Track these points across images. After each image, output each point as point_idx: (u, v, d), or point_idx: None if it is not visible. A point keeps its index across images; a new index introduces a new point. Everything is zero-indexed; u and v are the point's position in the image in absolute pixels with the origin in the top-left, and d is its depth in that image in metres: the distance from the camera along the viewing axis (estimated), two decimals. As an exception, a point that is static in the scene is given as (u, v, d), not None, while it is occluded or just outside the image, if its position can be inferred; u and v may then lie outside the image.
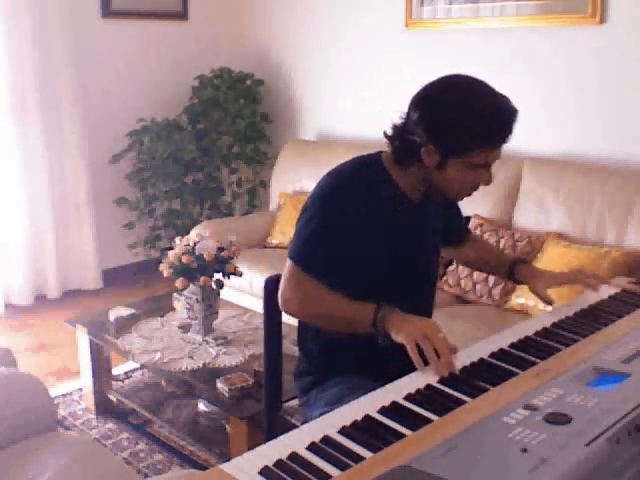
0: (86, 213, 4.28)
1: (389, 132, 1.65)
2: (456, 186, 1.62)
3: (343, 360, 1.72)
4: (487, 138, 1.54)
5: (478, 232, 3.17)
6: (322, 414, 1.29)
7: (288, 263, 1.67)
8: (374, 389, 1.33)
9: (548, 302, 1.77)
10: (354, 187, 1.63)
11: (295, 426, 1.72)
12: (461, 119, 1.52)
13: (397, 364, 1.48)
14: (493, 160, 1.59)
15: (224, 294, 2.94)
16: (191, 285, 2.70)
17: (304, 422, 1.69)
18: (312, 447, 1.11)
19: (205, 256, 2.64)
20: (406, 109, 1.62)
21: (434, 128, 1.55)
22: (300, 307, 1.66)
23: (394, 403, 1.26)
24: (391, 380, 1.36)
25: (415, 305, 1.75)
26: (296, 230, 1.68)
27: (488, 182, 1.62)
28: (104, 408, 2.97)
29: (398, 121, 1.64)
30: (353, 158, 1.72)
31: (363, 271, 1.66)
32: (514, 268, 1.87)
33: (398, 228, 1.67)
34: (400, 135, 1.62)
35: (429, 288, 1.86)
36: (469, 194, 1.68)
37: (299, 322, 1.82)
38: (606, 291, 1.83)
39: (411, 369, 1.41)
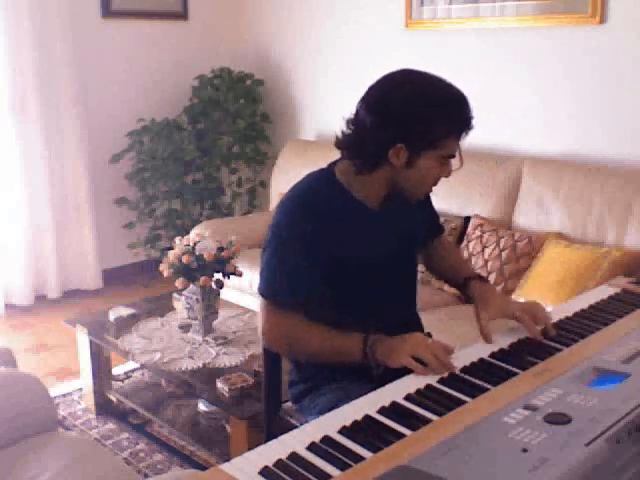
0: (86, 213, 4.28)
1: (340, 144, 1.62)
2: (422, 182, 1.59)
3: (333, 368, 1.68)
4: (457, 124, 1.53)
5: (478, 232, 3.17)
6: (315, 421, 1.28)
7: (262, 301, 1.63)
8: (366, 394, 1.33)
9: (485, 338, 1.55)
10: (310, 208, 1.59)
11: (295, 426, 1.72)
12: (427, 111, 1.50)
13: (388, 369, 1.48)
14: (458, 150, 1.58)
15: (224, 294, 2.94)
16: (191, 285, 2.70)
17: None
18: (312, 447, 1.11)
19: (205, 256, 2.64)
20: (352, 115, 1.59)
21: (401, 127, 1.51)
22: (285, 344, 1.64)
23: (394, 403, 1.26)
24: (383, 385, 1.36)
25: (394, 314, 1.71)
26: (263, 264, 1.63)
27: (449, 174, 1.60)
28: (104, 408, 2.97)
29: (345, 130, 1.59)
30: (305, 177, 1.68)
31: (336, 287, 1.63)
32: (468, 282, 1.74)
33: (359, 238, 1.64)
34: (358, 144, 1.58)
35: (405, 294, 1.81)
36: (430, 190, 1.66)
37: None
38: (606, 291, 1.83)
39: (402, 374, 1.41)
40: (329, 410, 1.45)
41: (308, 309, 1.60)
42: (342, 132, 1.61)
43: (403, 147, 1.52)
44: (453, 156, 1.58)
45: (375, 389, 1.35)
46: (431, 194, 1.79)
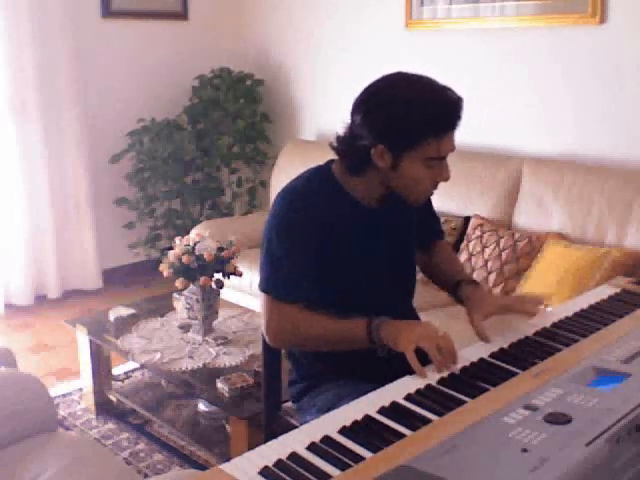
0: (86, 213, 4.28)
1: (334, 144, 1.62)
2: (414, 185, 1.57)
3: (333, 366, 1.70)
4: (434, 125, 1.49)
5: (478, 232, 3.17)
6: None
7: (263, 297, 1.63)
8: (366, 393, 1.33)
9: (482, 338, 1.55)
10: (306, 204, 1.60)
11: (295, 426, 1.72)
12: (404, 110, 1.49)
13: (388, 367, 1.48)
14: (446, 152, 1.54)
15: (224, 294, 2.93)
16: (191, 285, 2.70)
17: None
18: (312, 447, 1.11)
19: (205, 256, 2.64)
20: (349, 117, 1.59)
21: (379, 126, 1.52)
22: (290, 338, 1.63)
23: (394, 403, 1.26)
24: (383, 384, 1.36)
25: (393, 310, 1.69)
26: (261, 260, 1.63)
27: (446, 177, 1.56)
28: (104, 408, 2.97)
29: (342, 131, 1.60)
30: (303, 172, 1.68)
31: (333, 283, 1.63)
32: (459, 286, 1.73)
33: (356, 237, 1.64)
34: (347, 143, 1.59)
35: (404, 291, 1.81)
36: (429, 193, 1.63)
37: None
38: (606, 291, 1.83)
39: (403, 372, 1.41)
40: (328, 409, 1.45)
41: (307, 301, 1.60)
42: (338, 133, 1.61)
43: (384, 148, 1.52)
44: (441, 158, 1.54)
45: (374, 388, 1.35)
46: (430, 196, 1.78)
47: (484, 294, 1.72)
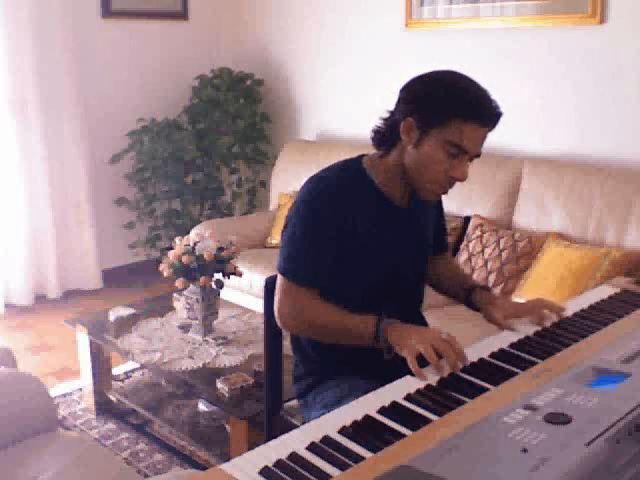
0: (86, 213, 4.28)
1: (372, 134, 1.67)
2: (428, 170, 1.56)
3: (340, 362, 1.71)
4: (463, 105, 1.51)
5: (478, 232, 3.17)
6: (320, 416, 1.29)
7: (280, 278, 1.65)
8: (372, 390, 1.33)
9: (510, 329, 1.60)
10: (336, 194, 1.60)
11: (295, 426, 1.72)
12: (439, 87, 1.54)
13: (395, 365, 1.48)
14: (469, 145, 1.53)
15: (224, 294, 2.94)
16: (191, 285, 2.71)
17: (304, 423, 1.69)
18: (312, 447, 1.11)
19: (205, 256, 2.64)
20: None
21: (412, 98, 1.56)
22: (299, 322, 1.64)
23: (394, 403, 1.26)
24: (389, 381, 1.36)
25: (401, 307, 1.71)
26: (282, 243, 1.65)
27: (462, 175, 1.56)
28: (104, 408, 2.97)
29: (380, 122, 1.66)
30: (333, 164, 1.69)
31: (351, 277, 1.64)
32: (471, 293, 1.77)
33: (383, 233, 1.66)
34: (385, 121, 1.64)
35: (417, 291, 1.83)
36: (441, 189, 1.61)
37: None
38: (606, 291, 1.83)
39: (407, 372, 1.40)
40: (333, 405, 1.46)
41: (321, 289, 1.61)
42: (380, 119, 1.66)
43: (413, 122, 1.54)
44: (463, 151, 1.53)
45: (379, 385, 1.35)
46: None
47: (499, 299, 1.76)
